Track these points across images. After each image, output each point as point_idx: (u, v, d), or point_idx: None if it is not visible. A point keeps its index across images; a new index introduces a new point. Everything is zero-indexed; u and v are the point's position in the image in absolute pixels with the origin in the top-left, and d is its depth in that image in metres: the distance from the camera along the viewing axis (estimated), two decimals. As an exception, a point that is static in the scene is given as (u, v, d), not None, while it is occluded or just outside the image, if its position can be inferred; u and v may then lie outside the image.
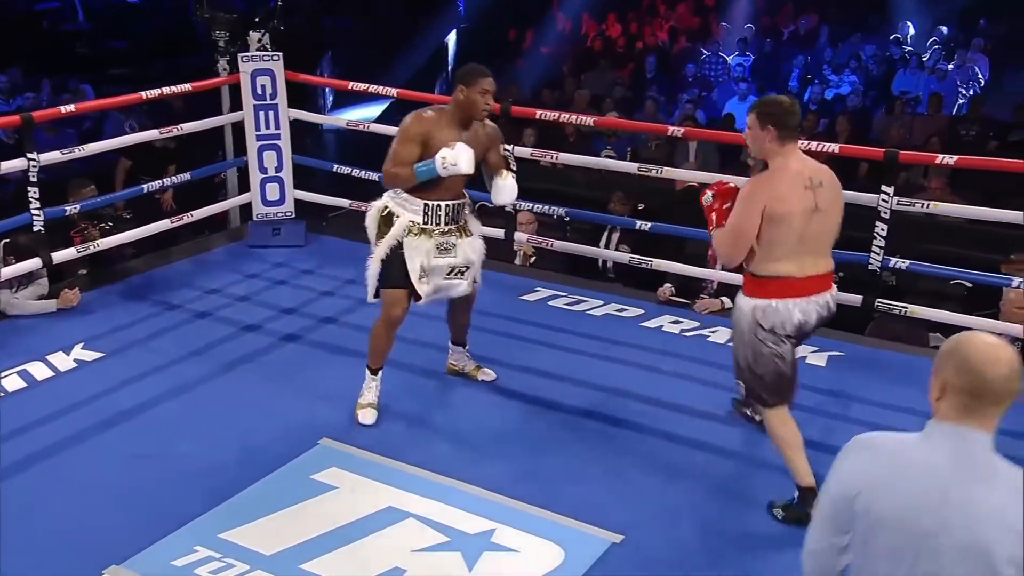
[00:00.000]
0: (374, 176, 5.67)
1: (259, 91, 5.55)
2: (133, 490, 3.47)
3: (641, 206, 6.77)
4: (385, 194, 3.87)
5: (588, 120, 5.27)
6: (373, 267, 3.83)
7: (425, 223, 3.77)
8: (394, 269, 3.78)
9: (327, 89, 11.67)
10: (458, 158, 3.59)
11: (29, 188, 4.61)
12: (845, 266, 5.47)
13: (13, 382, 4.21)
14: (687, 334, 4.83)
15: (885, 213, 4.27)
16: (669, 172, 5.30)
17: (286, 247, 5.86)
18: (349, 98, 11.98)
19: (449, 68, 15.01)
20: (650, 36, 13.95)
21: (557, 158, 5.22)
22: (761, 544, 3.27)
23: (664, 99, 11.11)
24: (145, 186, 5.36)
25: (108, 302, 5.04)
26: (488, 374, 4.28)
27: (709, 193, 3.29)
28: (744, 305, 3.28)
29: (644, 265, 5.09)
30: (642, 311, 5.08)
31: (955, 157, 4.41)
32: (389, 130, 5.95)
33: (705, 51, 13.09)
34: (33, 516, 3.30)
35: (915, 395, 4.03)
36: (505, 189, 3.86)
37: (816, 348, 4.57)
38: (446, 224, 3.80)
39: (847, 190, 4.12)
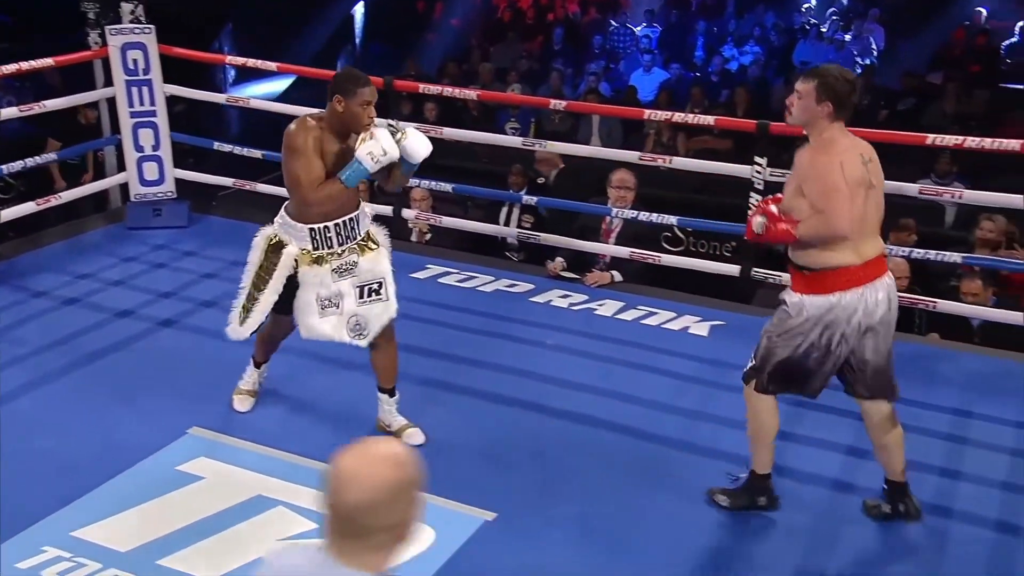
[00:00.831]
0: (257, 154, 5.51)
1: (131, 66, 5.29)
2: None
3: (541, 180, 6.73)
4: (277, 218, 3.43)
5: (472, 94, 5.12)
6: (263, 301, 3.40)
7: (316, 248, 3.34)
8: (282, 299, 3.40)
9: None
10: (386, 145, 3.14)
11: None
12: (734, 237, 5.57)
13: None
14: (575, 308, 4.79)
15: (759, 184, 4.28)
16: (554, 147, 5.20)
17: (168, 228, 5.62)
18: (254, 73, 11.63)
19: (357, 41, 14.72)
20: (560, 8, 13.86)
21: (442, 132, 5.09)
22: (640, 517, 3.25)
23: (571, 71, 11.08)
24: (4, 167, 5.05)
25: (-33, 290, 4.78)
26: (414, 437, 3.59)
27: (758, 219, 2.97)
28: (799, 301, 2.97)
29: (532, 240, 5.03)
30: (532, 286, 5.02)
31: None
32: (272, 106, 5.81)
33: (614, 23, 13.07)
34: None
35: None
36: (413, 145, 3.24)
37: (700, 318, 4.58)
38: (340, 245, 3.36)
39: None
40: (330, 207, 3.29)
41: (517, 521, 3.20)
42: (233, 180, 5.50)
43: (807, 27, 12.17)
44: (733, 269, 4.44)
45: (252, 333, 3.50)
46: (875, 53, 11.57)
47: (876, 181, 2.95)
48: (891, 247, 4.42)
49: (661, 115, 4.94)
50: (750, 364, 3.13)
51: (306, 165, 3.19)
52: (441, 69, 10.78)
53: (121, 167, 5.66)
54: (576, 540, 3.14)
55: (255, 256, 3.45)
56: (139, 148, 5.49)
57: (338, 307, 3.39)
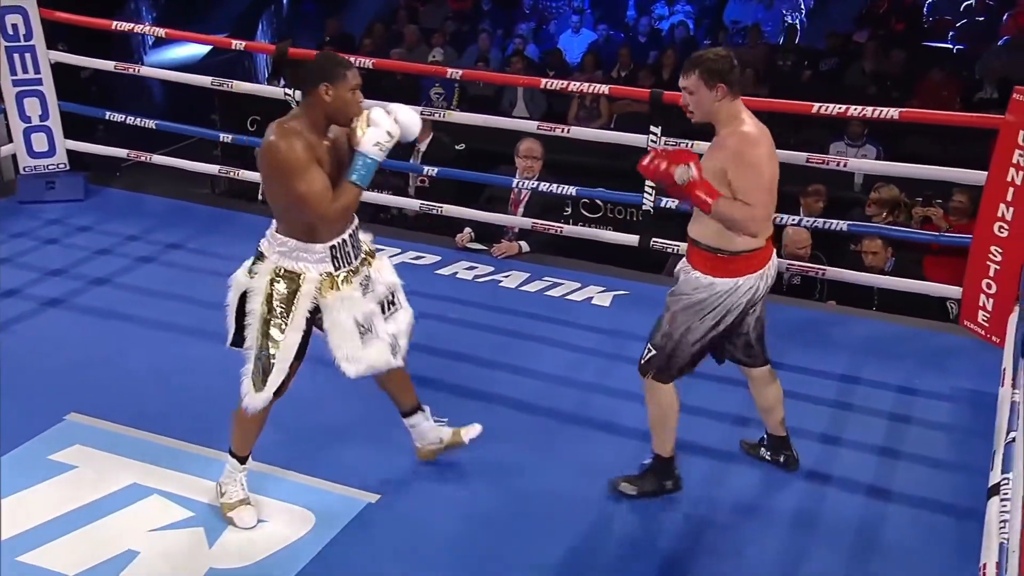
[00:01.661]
0: (151, 124, 5.29)
1: (9, 31, 5.02)
2: None
3: (460, 146, 6.58)
4: (266, 251, 2.88)
5: (367, 63, 4.88)
6: (284, 348, 2.87)
7: (337, 268, 2.88)
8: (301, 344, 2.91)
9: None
10: (389, 128, 2.75)
11: None
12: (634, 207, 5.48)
13: None
14: (479, 280, 4.70)
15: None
16: (452, 116, 5.04)
17: (63, 202, 5.41)
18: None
19: (284, 5, 14.29)
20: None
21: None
22: (531, 496, 3.20)
23: (501, 33, 10.88)
24: None
25: None
26: (474, 430, 3.26)
27: (683, 169, 2.74)
28: (710, 284, 2.88)
29: (435, 211, 4.92)
30: (439, 258, 4.91)
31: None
32: (163, 74, 5.52)
33: (545, -19, 12.85)
34: None
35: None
36: (406, 121, 2.83)
37: (603, 288, 4.53)
38: (356, 258, 2.94)
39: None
40: (348, 218, 2.88)
41: (401, 503, 3.13)
42: (128, 151, 5.28)
43: (738, -14, 12.09)
44: (633, 239, 4.37)
45: (275, 392, 2.93)
46: (804, 12, 11.55)
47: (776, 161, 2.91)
48: (789, 216, 4.41)
49: (551, 83, 4.77)
50: (649, 354, 3.00)
51: (310, 179, 2.71)
52: (368, 30, 10.52)
53: (9, 138, 5.41)
54: (462, 522, 3.08)
55: (257, 302, 2.86)
56: (25, 118, 5.25)
57: (372, 330, 2.94)
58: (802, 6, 11.44)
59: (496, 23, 11.16)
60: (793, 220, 4.30)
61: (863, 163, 4.01)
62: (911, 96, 7.72)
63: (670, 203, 4.34)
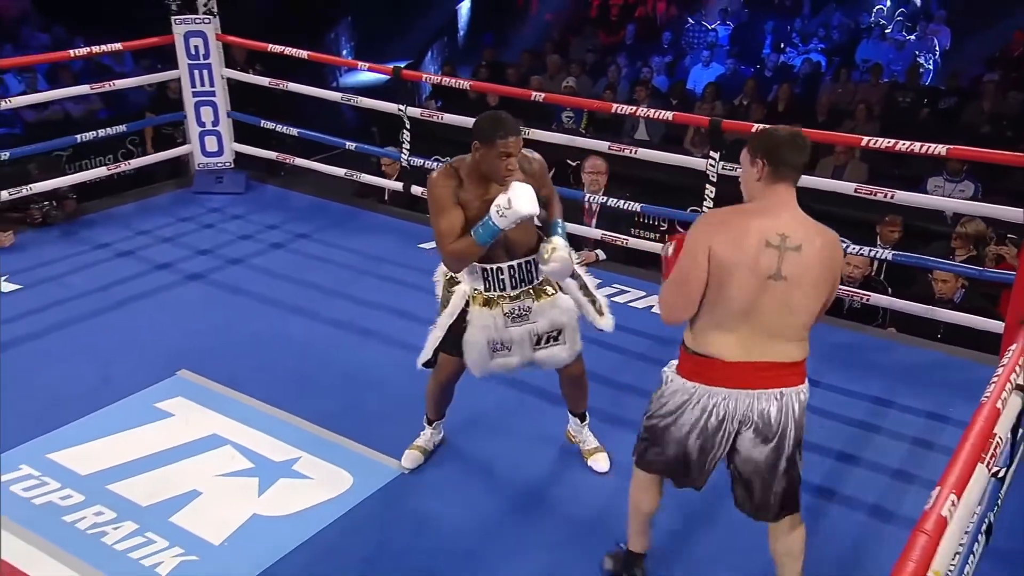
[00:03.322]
0: (293, 131, 5.50)
1: (192, 51, 5.36)
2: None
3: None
4: None
5: (465, 84, 4.86)
6: (434, 333, 2.95)
7: (487, 290, 2.85)
8: (450, 338, 2.91)
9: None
10: (516, 199, 2.57)
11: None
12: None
13: (-69, 308, 4.18)
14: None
15: (713, 176, 3.96)
16: (536, 134, 4.94)
17: (227, 194, 5.71)
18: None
19: (460, 36, 14.65)
20: (650, 5, 13.35)
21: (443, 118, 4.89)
22: (546, 475, 3.09)
23: (639, 65, 10.64)
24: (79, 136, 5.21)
25: (44, 240, 4.97)
26: (600, 462, 3.13)
27: (670, 245, 2.32)
28: (670, 378, 2.33)
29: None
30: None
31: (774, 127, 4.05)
32: (305, 89, 5.64)
33: (691, 20, 12.52)
34: None
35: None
36: (555, 262, 2.72)
37: (645, 293, 4.33)
38: (513, 288, 2.83)
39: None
40: (465, 263, 2.78)
41: (433, 475, 3.09)
42: (277, 154, 5.52)
43: (872, 26, 11.31)
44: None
45: (423, 364, 3.00)
46: (938, 53, 10.67)
47: (794, 274, 2.12)
48: (852, 244, 4.03)
49: (615, 108, 4.58)
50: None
51: (442, 218, 2.70)
52: (521, 59, 10.58)
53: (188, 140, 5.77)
54: (488, 496, 2.99)
55: (438, 291, 2.98)
56: (201, 123, 5.58)
57: (510, 350, 2.87)
58: (936, 47, 10.57)
59: (634, 56, 10.95)
60: (862, 250, 3.91)
61: (910, 196, 3.60)
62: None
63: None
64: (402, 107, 4.88)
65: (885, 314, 4.25)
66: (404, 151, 5.03)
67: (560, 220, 2.85)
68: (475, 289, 2.85)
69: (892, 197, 3.56)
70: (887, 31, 11.23)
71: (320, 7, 12.45)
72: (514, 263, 2.81)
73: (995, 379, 2.24)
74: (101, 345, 3.92)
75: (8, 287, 4.42)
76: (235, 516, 2.88)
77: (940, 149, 3.41)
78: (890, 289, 4.33)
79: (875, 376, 3.64)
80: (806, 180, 3.83)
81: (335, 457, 3.18)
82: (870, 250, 3.94)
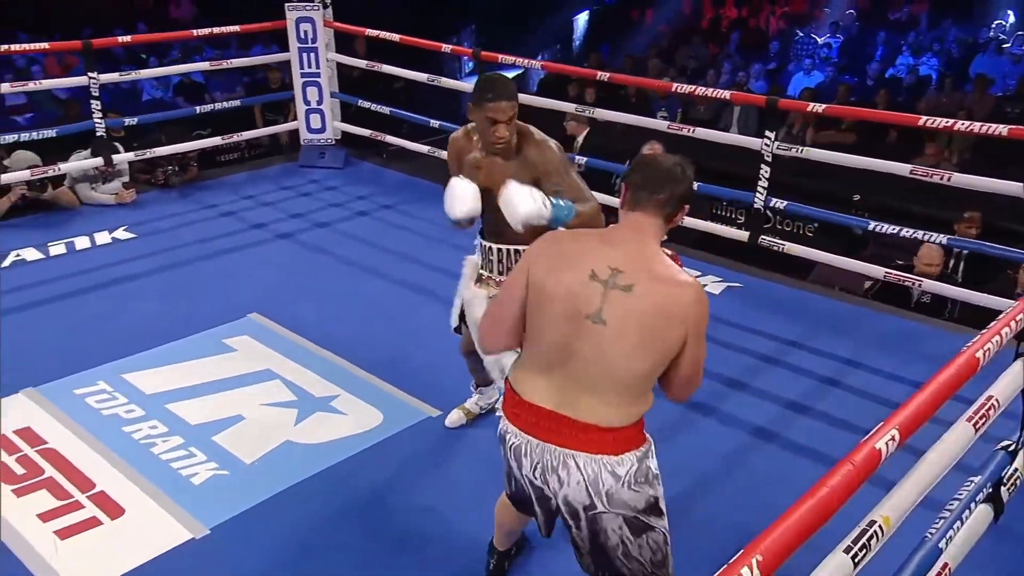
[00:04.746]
0: (385, 110, 5.55)
1: (302, 35, 5.51)
2: (82, 336, 3.59)
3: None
4: None
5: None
6: (455, 302, 2.81)
7: (482, 267, 2.67)
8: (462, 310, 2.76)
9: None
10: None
11: (91, 101, 4.82)
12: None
13: (57, 249, 4.46)
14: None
15: (768, 156, 3.68)
16: (603, 114, 4.66)
17: (328, 168, 5.84)
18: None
19: (574, 44, 14.58)
20: (764, 19, 12.85)
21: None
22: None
23: (742, 74, 10.21)
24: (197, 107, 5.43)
25: (163, 199, 5.23)
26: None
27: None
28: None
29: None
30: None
31: (824, 106, 3.76)
32: (395, 71, 5.62)
33: (800, 32, 11.94)
34: None
35: (800, 329, 3.54)
36: (512, 201, 2.25)
37: (720, 279, 4.07)
38: (500, 274, 2.61)
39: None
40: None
41: (461, 427, 3.02)
42: (370, 131, 5.59)
43: (991, 41, 10.41)
44: (743, 235, 3.88)
45: (454, 328, 2.85)
46: (1058, 66, 9.69)
47: (616, 320, 1.66)
48: (927, 233, 3.67)
49: (662, 84, 4.36)
50: None
51: (452, 174, 2.54)
52: (623, 62, 10.38)
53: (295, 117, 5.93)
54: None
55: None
56: (307, 102, 5.73)
57: None
58: (1054, 60, 9.62)
59: (738, 66, 10.51)
60: (935, 238, 3.53)
61: (966, 178, 3.21)
62: None
63: (778, 203, 3.82)
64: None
65: (953, 308, 3.85)
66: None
67: (566, 201, 2.31)
68: (478, 264, 2.68)
69: (949, 179, 3.20)
70: (1005, 45, 10.31)
71: (447, 16, 12.69)
72: (506, 248, 2.57)
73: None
74: (190, 287, 4.07)
75: (125, 236, 4.67)
76: (270, 441, 2.91)
77: (1002, 130, 3.04)
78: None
79: (915, 360, 3.29)
80: (861, 161, 3.57)
81: (371, 397, 3.16)
82: (925, 234, 3.53)
